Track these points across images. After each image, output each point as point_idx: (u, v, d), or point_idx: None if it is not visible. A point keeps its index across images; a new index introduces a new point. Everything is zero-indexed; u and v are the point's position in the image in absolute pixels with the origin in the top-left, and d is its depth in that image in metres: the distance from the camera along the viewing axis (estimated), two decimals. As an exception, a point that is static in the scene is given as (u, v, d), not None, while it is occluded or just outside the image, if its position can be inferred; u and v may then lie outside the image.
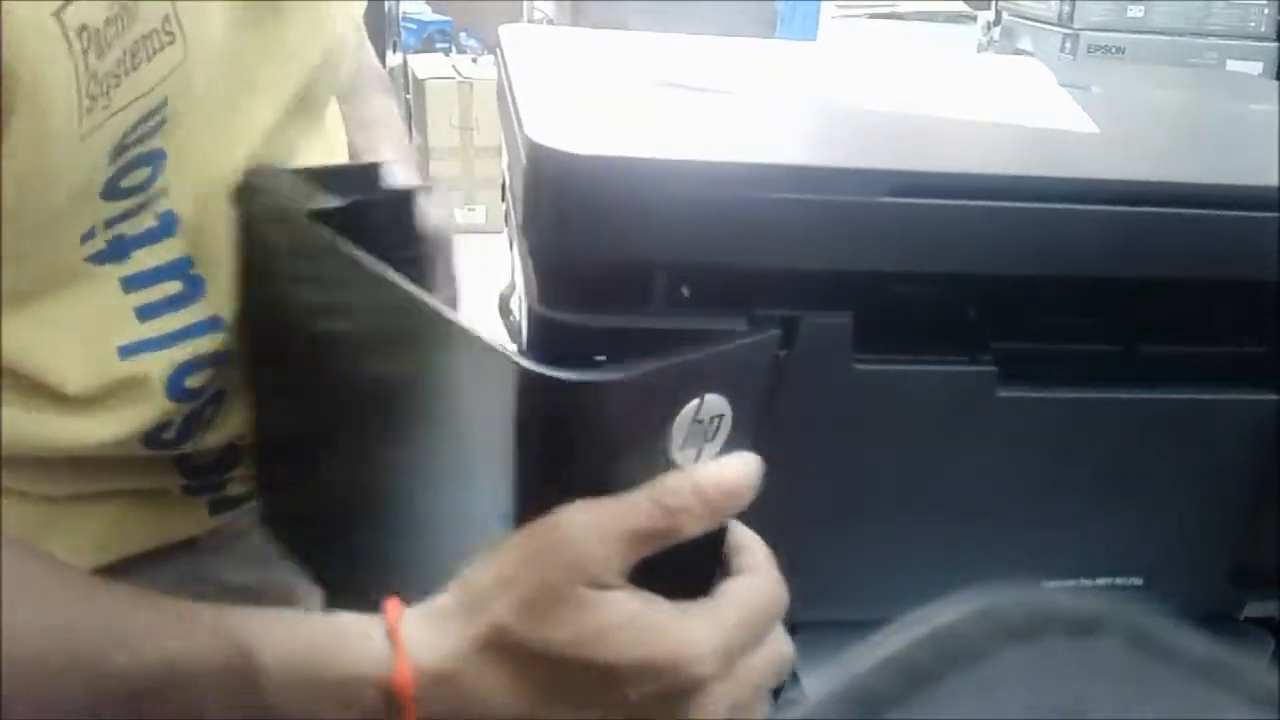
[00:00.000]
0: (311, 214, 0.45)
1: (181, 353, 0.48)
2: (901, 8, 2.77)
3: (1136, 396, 0.43)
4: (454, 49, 3.99)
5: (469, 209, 3.46)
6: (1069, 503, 0.44)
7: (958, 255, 0.39)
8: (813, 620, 0.45)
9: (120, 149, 0.42)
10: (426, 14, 4.15)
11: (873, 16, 2.76)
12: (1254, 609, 0.48)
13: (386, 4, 3.70)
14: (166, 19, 0.41)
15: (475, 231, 3.43)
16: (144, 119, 0.42)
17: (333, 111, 0.61)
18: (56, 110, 0.37)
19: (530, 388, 0.35)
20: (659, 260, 0.38)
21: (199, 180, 0.47)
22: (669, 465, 0.37)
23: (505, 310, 0.56)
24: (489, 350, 0.36)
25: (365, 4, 0.60)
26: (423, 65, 3.61)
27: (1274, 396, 0.43)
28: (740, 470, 0.37)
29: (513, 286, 0.53)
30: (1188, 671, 0.18)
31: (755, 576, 0.39)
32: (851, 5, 2.79)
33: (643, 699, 0.36)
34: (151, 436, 0.49)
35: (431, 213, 0.55)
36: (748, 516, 0.42)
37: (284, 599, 0.60)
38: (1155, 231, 0.40)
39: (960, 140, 0.46)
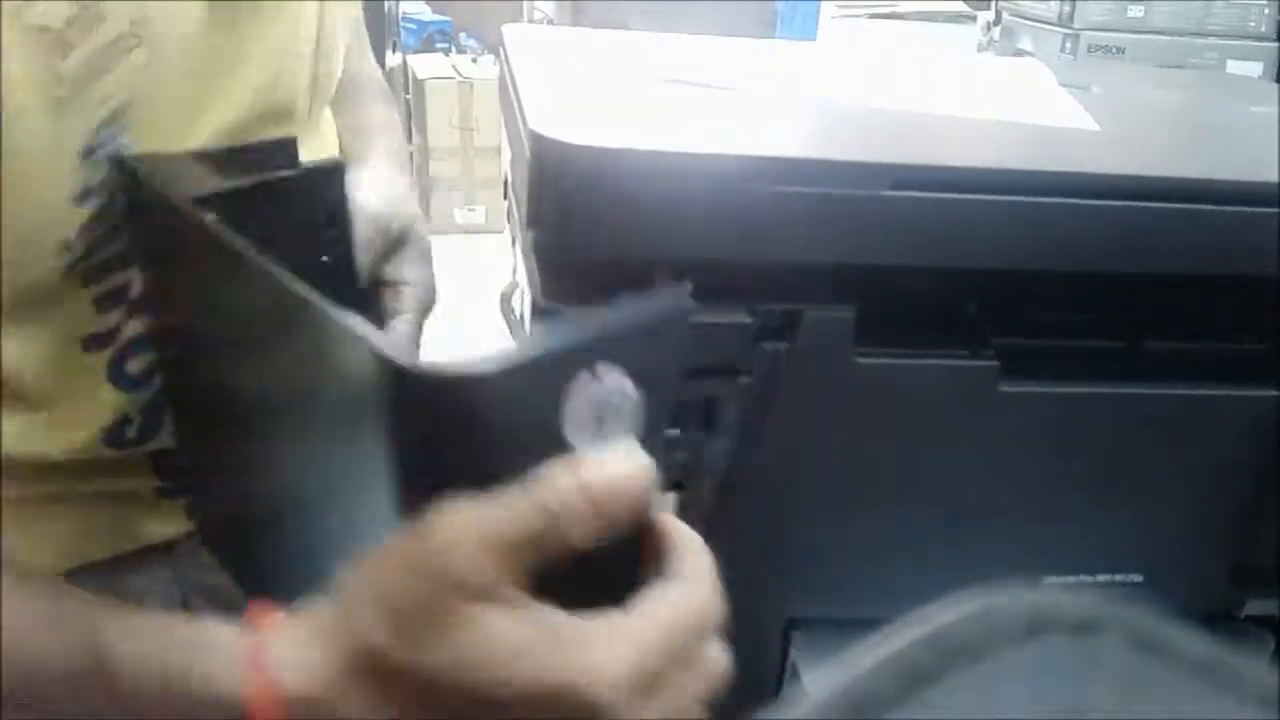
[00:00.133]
0: (197, 199, 0.41)
1: (120, 339, 0.47)
2: (901, 8, 2.77)
3: (1138, 392, 0.43)
4: (454, 49, 3.99)
5: (469, 209, 3.46)
6: (1070, 498, 0.44)
7: (960, 249, 0.39)
8: (813, 618, 0.45)
9: (90, 152, 0.42)
10: (426, 14, 4.15)
11: (873, 16, 2.76)
12: (1254, 608, 0.48)
13: (386, 4, 3.70)
14: (134, 23, 0.41)
15: (475, 231, 3.43)
16: (109, 121, 0.42)
17: (326, 118, 0.60)
18: (24, 113, 0.36)
19: (396, 382, 0.31)
20: (662, 253, 0.38)
21: None
22: (566, 450, 0.32)
23: (507, 308, 0.56)
24: (359, 341, 0.32)
25: (358, 8, 0.60)
26: (423, 65, 3.61)
27: (1275, 393, 0.43)
28: (630, 469, 0.32)
29: (515, 284, 0.53)
30: (1188, 671, 0.18)
31: (685, 584, 0.34)
32: (851, 5, 2.79)
33: None
34: (113, 435, 0.48)
35: (356, 187, 0.51)
36: (751, 510, 0.42)
37: None
38: (1157, 227, 0.40)
39: (962, 136, 0.46)
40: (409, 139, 3.48)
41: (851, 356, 0.40)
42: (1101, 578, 0.46)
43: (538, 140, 0.37)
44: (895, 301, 0.41)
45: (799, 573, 0.44)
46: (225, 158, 0.44)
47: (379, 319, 0.51)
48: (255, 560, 0.46)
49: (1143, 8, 2.25)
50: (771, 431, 0.41)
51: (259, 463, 0.43)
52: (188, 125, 0.48)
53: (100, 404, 0.47)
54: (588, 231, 0.36)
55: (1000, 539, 0.44)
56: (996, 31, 2.55)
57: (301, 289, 0.34)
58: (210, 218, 0.39)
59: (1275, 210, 0.40)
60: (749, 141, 0.41)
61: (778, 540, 0.43)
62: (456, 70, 3.55)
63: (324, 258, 0.47)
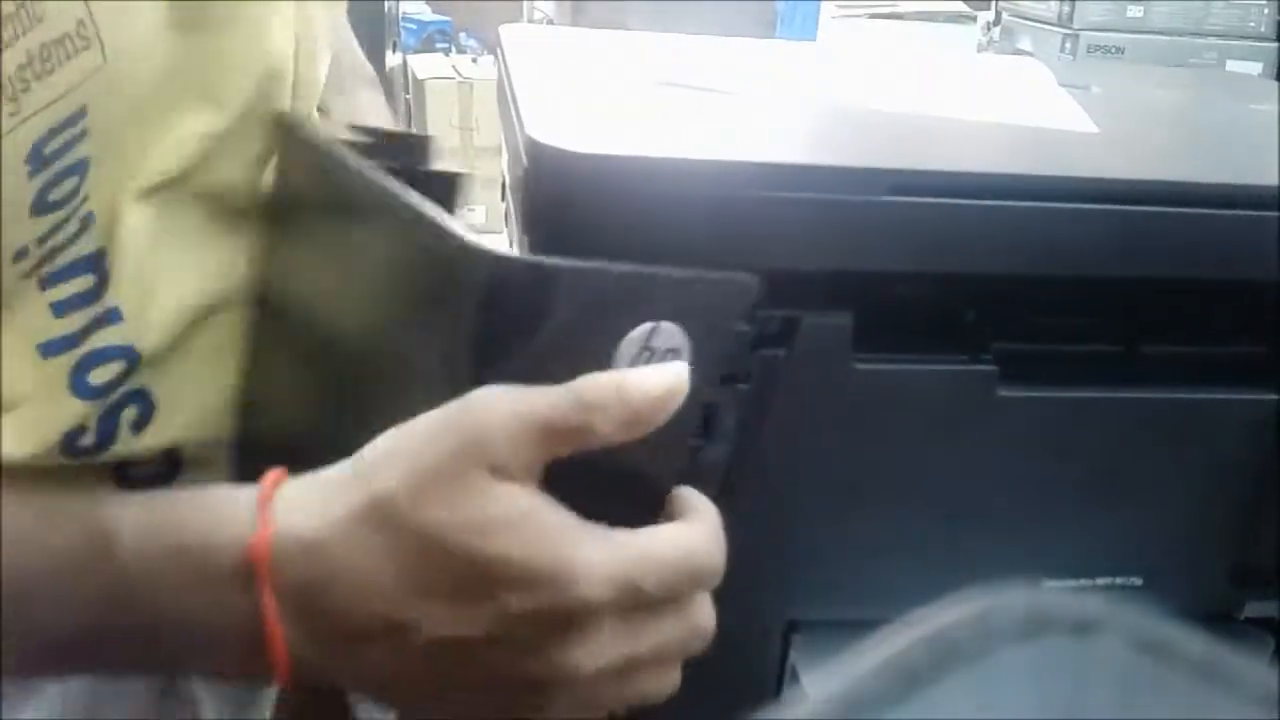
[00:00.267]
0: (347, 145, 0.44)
1: (85, 346, 0.46)
2: (901, 8, 2.77)
3: (1137, 396, 0.43)
4: (454, 49, 3.99)
5: (469, 209, 3.45)
6: (1069, 502, 0.44)
7: (958, 254, 0.39)
8: (812, 620, 0.45)
9: (41, 159, 0.41)
10: (426, 14, 4.15)
11: (873, 16, 2.76)
12: (1254, 609, 0.48)
13: (386, 4, 3.70)
14: (81, 24, 0.40)
15: (475, 231, 3.44)
16: (60, 127, 0.41)
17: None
18: None
19: (474, 268, 0.33)
20: (658, 259, 0.38)
21: (119, 179, 0.45)
22: None
23: None
24: (448, 233, 0.35)
25: (343, 7, 0.60)
26: (423, 65, 3.61)
27: (1274, 396, 0.43)
28: (668, 380, 0.34)
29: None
30: (1188, 671, 0.18)
31: (687, 530, 0.35)
32: (851, 5, 2.79)
33: (522, 613, 0.32)
34: (68, 442, 0.47)
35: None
36: (750, 514, 0.42)
37: None
38: (1156, 231, 0.40)
39: (960, 139, 0.46)
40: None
41: (850, 362, 0.40)
42: (1101, 581, 0.46)
43: (534, 146, 0.37)
44: (893, 307, 0.41)
45: (799, 576, 0.44)
46: (366, 143, 0.47)
47: None
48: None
49: (1142, 8, 2.25)
50: (770, 437, 0.41)
51: (334, 385, 0.46)
52: (161, 133, 0.47)
53: (59, 411, 0.47)
54: (583, 238, 0.36)
55: (1000, 543, 0.44)
56: (996, 32, 2.55)
57: (406, 194, 0.37)
58: (348, 153, 0.42)
59: (1275, 214, 0.40)
60: (746, 147, 0.41)
61: (777, 544, 0.43)
62: (456, 70, 3.55)
63: None
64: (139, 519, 0.37)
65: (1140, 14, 2.25)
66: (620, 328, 0.34)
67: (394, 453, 0.33)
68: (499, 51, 0.51)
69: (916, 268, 0.40)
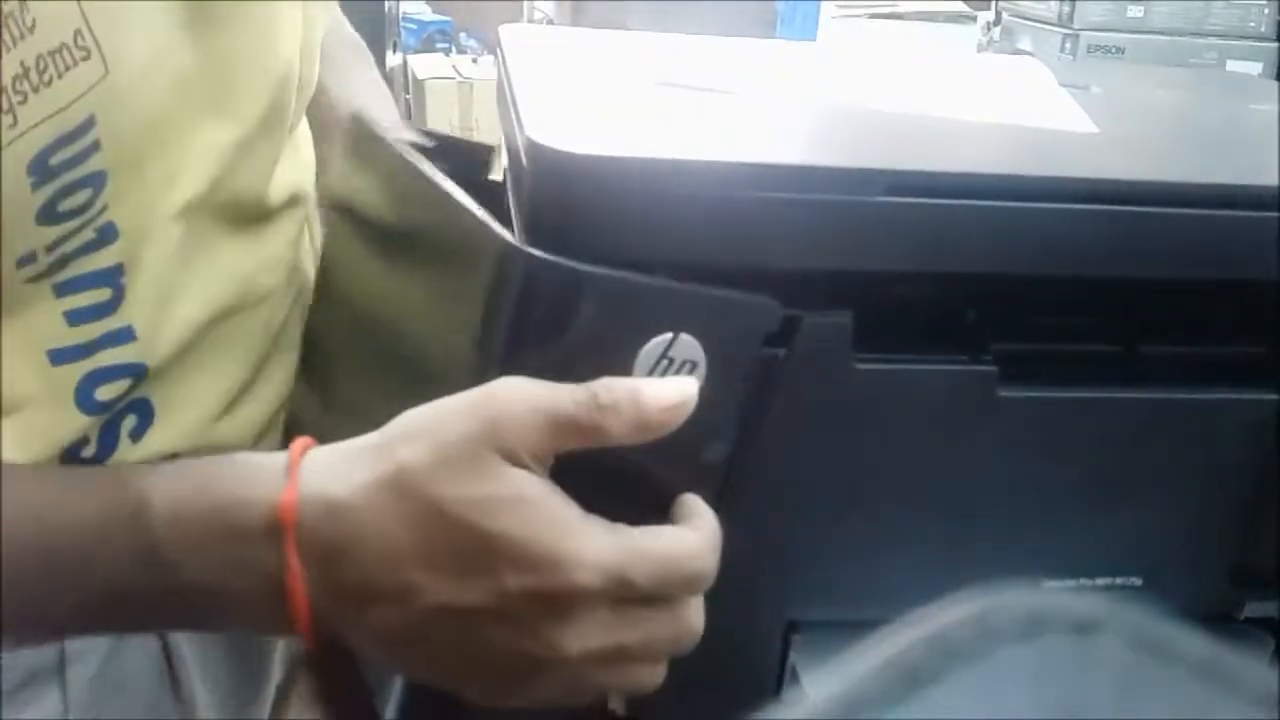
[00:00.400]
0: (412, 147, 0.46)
1: (93, 362, 0.46)
2: (901, 8, 2.77)
3: (1137, 396, 0.43)
4: (454, 49, 3.99)
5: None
6: (1069, 503, 0.44)
7: (957, 255, 0.39)
8: (812, 620, 0.45)
9: (46, 170, 0.41)
10: (426, 14, 4.15)
11: (873, 16, 2.76)
12: (1254, 609, 0.48)
13: (386, 4, 3.70)
14: (78, 34, 0.40)
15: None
16: (66, 139, 0.41)
17: (302, 127, 0.60)
18: None
19: (509, 266, 0.36)
20: (659, 260, 0.38)
21: (143, 194, 0.46)
22: None
23: None
24: (489, 231, 0.37)
25: (335, 6, 0.60)
26: (423, 65, 3.61)
27: (1274, 396, 0.43)
28: (681, 392, 0.36)
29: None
30: (1188, 671, 0.18)
31: (686, 531, 0.37)
32: (851, 5, 2.79)
33: (518, 591, 0.34)
34: (70, 454, 0.47)
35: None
36: (750, 514, 0.42)
37: None
38: (1155, 231, 0.40)
39: (960, 140, 0.46)
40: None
41: (850, 362, 0.40)
42: (1101, 581, 0.46)
43: (533, 147, 0.37)
44: (893, 307, 0.41)
45: (798, 576, 0.44)
46: (433, 149, 0.50)
47: None
48: None
49: (1142, 8, 2.25)
50: (770, 437, 0.41)
51: (383, 381, 0.48)
52: (179, 145, 0.47)
53: (62, 424, 0.47)
54: (583, 239, 0.37)
55: (999, 543, 0.44)
56: (996, 32, 2.55)
57: (458, 196, 0.40)
58: (412, 153, 0.45)
59: (1275, 214, 0.40)
60: (746, 147, 0.41)
61: (777, 544, 0.43)
62: (456, 70, 3.55)
63: None
64: (170, 483, 0.38)
65: (1140, 14, 2.25)
66: (642, 335, 0.36)
67: (418, 429, 0.36)
68: (499, 51, 0.51)
69: (916, 268, 0.40)
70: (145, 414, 0.50)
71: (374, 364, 0.48)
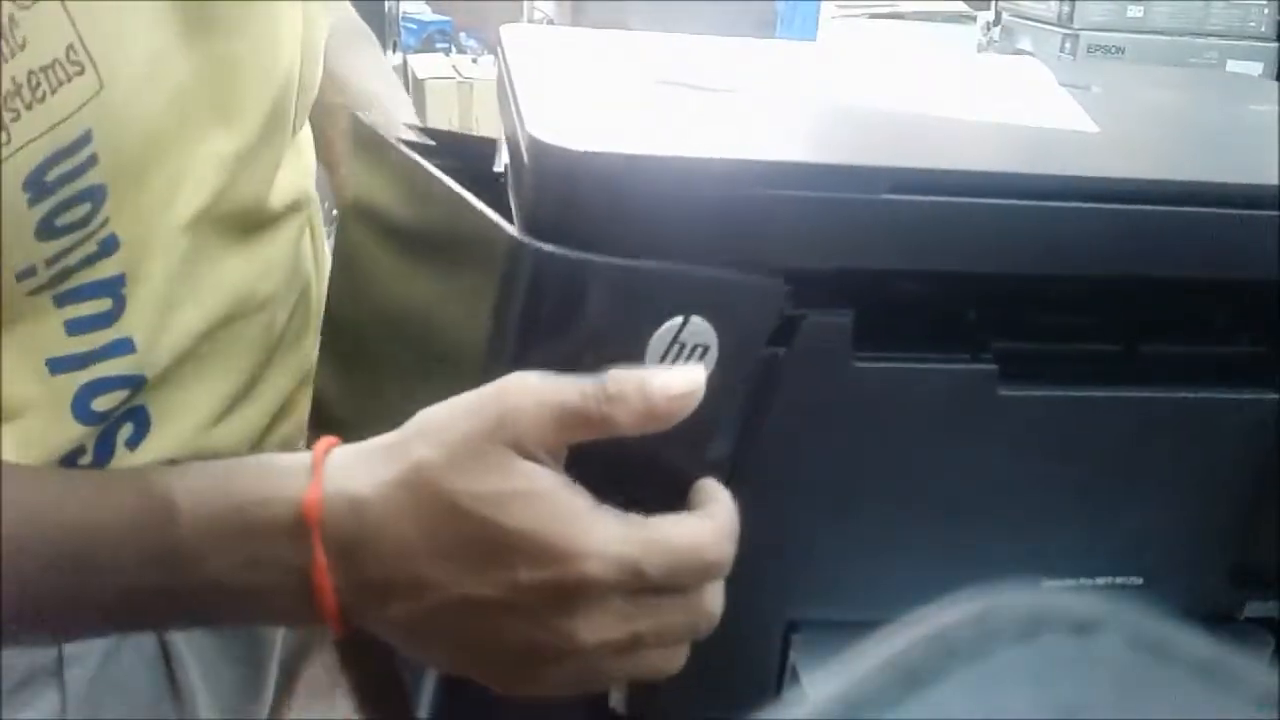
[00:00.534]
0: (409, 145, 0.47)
1: (90, 373, 0.46)
2: (901, 8, 2.77)
3: (1137, 396, 0.43)
4: (454, 49, 3.99)
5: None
6: (1069, 502, 0.44)
7: (959, 254, 0.39)
8: (812, 620, 0.45)
9: (43, 187, 0.41)
10: (426, 14, 4.15)
11: (873, 16, 2.76)
12: (1254, 609, 0.48)
13: (386, 4, 3.70)
14: (70, 49, 0.40)
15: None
16: (62, 154, 0.41)
17: (305, 132, 0.60)
18: None
19: (517, 260, 0.36)
20: (659, 257, 0.38)
21: (145, 206, 0.46)
22: None
23: None
24: (495, 228, 0.37)
25: (340, 6, 0.59)
26: (423, 65, 3.61)
27: (1274, 396, 0.43)
28: (689, 381, 0.36)
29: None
30: (1188, 671, 0.18)
31: (699, 519, 0.37)
32: (851, 5, 2.79)
33: (531, 582, 0.35)
34: (66, 462, 0.47)
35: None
36: (750, 513, 0.42)
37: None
38: (1156, 230, 0.40)
39: (961, 138, 0.46)
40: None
41: (850, 361, 0.40)
42: (1101, 580, 0.46)
43: (535, 144, 0.37)
44: (894, 306, 0.41)
45: (799, 576, 0.44)
46: (437, 145, 0.50)
47: None
48: None
49: (1142, 8, 2.25)
50: (771, 436, 0.41)
51: (396, 380, 0.49)
52: (181, 157, 0.47)
53: (59, 433, 0.47)
54: (584, 236, 0.37)
55: (1000, 542, 0.44)
56: (996, 32, 2.55)
57: (464, 194, 0.40)
58: (412, 153, 0.45)
59: (1275, 214, 0.40)
60: (747, 146, 0.41)
61: (777, 543, 0.43)
62: (456, 70, 3.55)
63: None
64: (195, 484, 0.39)
65: (1140, 14, 2.25)
66: (652, 322, 0.36)
67: (432, 426, 0.36)
68: (499, 51, 0.51)
69: (917, 267, 0.40)
70: (142, 422, 0.50)
71: (396, 354, 0.49)
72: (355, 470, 0.37)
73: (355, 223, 0.52)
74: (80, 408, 0.47)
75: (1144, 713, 0.17)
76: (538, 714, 0.42)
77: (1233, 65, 2.22)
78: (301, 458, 0.38)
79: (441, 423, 0.36)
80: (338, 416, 0.54)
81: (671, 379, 0.36)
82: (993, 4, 2.61)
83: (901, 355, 0.41)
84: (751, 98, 0.48)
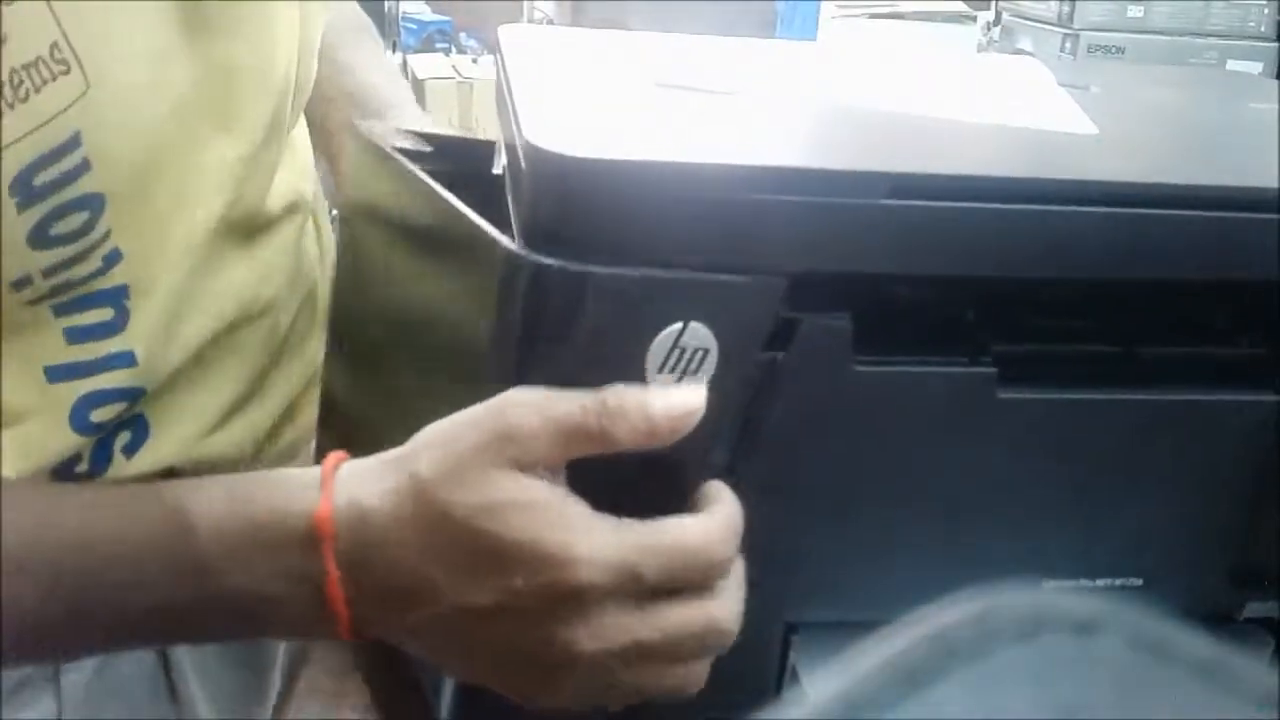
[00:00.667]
0: (405, 152, 0.47)
1: (91, 383, 0.46)
2: (901, 8, 2.77)
3: (1136, 397, 0.43)
4: (454, 49, 3.98)
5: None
6: (1069, 503, 0.44)
7: (958, 257, 0.39)
8: (812, 621, 0.45)
9: (32, 191, 0.40)
10: (426, 14, 4.14)
11: (873, 16, 2.75)
12: (1254, 609, 0.48)
13: (386, 4, 3.70)
14: (54, 46, 0.39)
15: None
16: (49, 157, 0.40)
17: (300, 128, 0.60)
18: None
19: (514, 273, 0.36)
20: (657, 263, 0.38)
21: (150, 219, 0.45)
22: (643, 382, 0.37)
23: None
24: (489, 239, 0.38)
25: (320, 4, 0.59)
26: (423, 65, 3.61)
27: (1274, 397, 0.43)
28: (690, 401, 0.36)
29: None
30: (1188, 671, 0.18)
31: (697, 520, 0.38)
32: (851, 5, 2.79)
33: (529, 589, 0.36)
34: (63, 470, 0.47)
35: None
36: (750, 516, 0.42)
37: None
38: (1155, 233, 0.40)
39: (960, 142, 0.46)
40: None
41: (850, 364, 0.40)
42: (1101, 581, 0.46)
43: (532, 150, 0.37)
44: (893, 309, 0.41)
45: (799, 577, 0.44)
46: (434, 150, 0.51)
47: None
48: None
49: (1142, 8, 2.25)
50: (770, 439, 0.41)
51: (404, 384, 0.49)
52: (185, 165, 0.46)
53: (56, 441, 0.47)
54: (581, 242, 0.37)
55: (1000, 543, 0.44)
56: (996, 31, 2.55)
57: (460, 206, 0.41)
58: (409, 164, 0.46)
59: (1275, 216, 0.40)
60: (746, 150, 0.41)
61: (777, 545, 0.43)
62: (456, 70, 3.55)
63: None
64: (211, 503, 0.39)
65: (1140, 14, 2.25)
66: (651, 329, 0.36)
67: (434, 441, 0.37)
68: (498, 52, 0.51)
69: (916, 270, 0.40)
70: (140, 430, 0.50)
71: (403, 352, 0.50)
72: (364, 482, 0.38)
73: (359, 220, 0.52)
74: (78, 419, 0.47)
75: (1144, 713, 0.17)
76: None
77: (1233, 65, 2.22)
78: (313, 472, 0.39)
79: (446, 437, 0.37)
80: (346, 414, 0.54)
81: (673, 398, 0.36)
82: (993, 4, 2.61)
83: (901, 358, 0.41)
84: (751, 100, 0.48)
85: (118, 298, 0.46)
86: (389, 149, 0.48)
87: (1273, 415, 0.43)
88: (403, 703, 0.46)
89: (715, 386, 0.37)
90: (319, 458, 0.42)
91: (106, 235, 0.44)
